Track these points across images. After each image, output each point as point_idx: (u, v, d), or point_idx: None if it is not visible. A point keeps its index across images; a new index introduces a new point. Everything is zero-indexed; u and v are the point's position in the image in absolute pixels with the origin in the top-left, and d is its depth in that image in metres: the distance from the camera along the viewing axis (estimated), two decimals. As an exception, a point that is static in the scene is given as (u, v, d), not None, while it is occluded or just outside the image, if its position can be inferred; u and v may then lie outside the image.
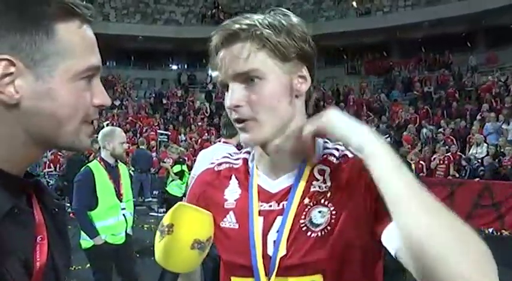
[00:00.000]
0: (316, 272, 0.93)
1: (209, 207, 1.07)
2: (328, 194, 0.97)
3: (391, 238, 0.85)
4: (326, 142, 1.05)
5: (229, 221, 1.03)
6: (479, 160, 10.47)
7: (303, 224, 0.96)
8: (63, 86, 0.74)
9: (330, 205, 0.96)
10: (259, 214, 1.00)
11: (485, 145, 11.19)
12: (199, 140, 15.94)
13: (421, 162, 10.89)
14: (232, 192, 1.06)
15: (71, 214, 3.84)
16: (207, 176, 1.13)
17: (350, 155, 0.99)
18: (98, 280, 3.82)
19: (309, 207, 0.96)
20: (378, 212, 0.89)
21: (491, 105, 14.23)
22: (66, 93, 0.74)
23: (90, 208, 3.70)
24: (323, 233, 0.94)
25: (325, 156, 1.02)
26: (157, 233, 0.98)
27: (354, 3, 23.18)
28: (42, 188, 0.83)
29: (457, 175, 10.46)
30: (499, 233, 8.52)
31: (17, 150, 0.75)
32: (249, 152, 1.11)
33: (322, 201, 0.96)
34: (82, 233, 3.77)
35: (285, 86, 0.95)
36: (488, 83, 16.45)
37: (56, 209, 0.85)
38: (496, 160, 10.23)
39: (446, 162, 10.82)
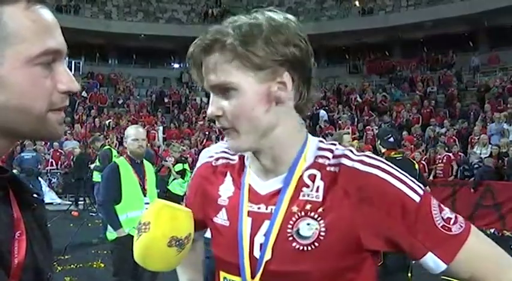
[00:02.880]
0: None
1: (205, 201, 1.10)
2: (320, 209, 0.94)
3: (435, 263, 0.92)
4: (321, 141, 1.03)
5: (222, 218, 1.05)
6: (482, 161, 10.44)
7: (290, 234, 0.95)
8: (15, 73, 0.69)
9: (320, 220, 0.93)
10: (248, 215, 1.00)
11: (489, 145, 11.16)
12: (202, 139, 15.92)
13: (423, 162, 10.87)
14: (226, 189, 1.07)
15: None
16: (205, 170, 1.15)
17: (348, 163, 0.95)
18: (116, 271, 3.94)
19: (297, 216, 0.95)
20: (414, 242, 0.92)
21: (493, 105, 14.20)
22: (19, 80, 0.69)
23: (116, 201, 3.86)
24: (309, 248, 0.93)
25: (316, 158, 0.99)
26: (135, 231, 0.97)
27: (357, 3, 23.14)
28: (20, 183, 0.80)
29: (459, 176, 10.44)
30: (500, 234, 8.50)
31: None
32: None
33: (312, 214, 0.94)
34: (108, 225, 3.99)
35: (261, 94, 0.93)
36: (490, 83, 16.42)
37: (35, 205, 0.82)
38: (499, 161, 10.20)
39: (448, 162, 10.80)
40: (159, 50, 24.58)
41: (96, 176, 7.93)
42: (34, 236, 0.78)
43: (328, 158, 0.98)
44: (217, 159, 1.14)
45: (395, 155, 4.44)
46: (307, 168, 0.98)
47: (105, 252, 6.21)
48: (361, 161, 0.95)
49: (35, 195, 0.84)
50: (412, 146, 12.42)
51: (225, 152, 1.14)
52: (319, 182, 0.96)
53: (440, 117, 15.29)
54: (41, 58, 0.71)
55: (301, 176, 0.97)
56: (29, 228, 0.77)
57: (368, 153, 1.01)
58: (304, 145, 1.00)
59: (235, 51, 0.91)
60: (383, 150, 4.57)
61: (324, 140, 1.04)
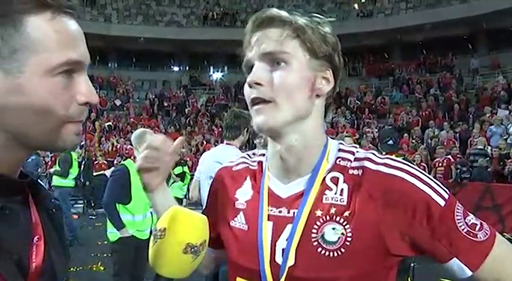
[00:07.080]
0: None
1: (222, 204, 1.08)
2: (346, 213, 0.92)
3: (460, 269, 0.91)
4: (341, 143, 1.02)
5: (239, 222, 1.03)
6: (481, 162, 10.44)
7: (315, 239, 0.92)
8: (35, 82, 0.69)
9: (346, 225, 0.91)
10: (269, 219, 0.97)
11: (488, 147, 11.18)
12: (201, 142, 15.93)
13: (423, 164, 10.88)
14: (243, 193, 1.05)
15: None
16: (224, 174, 1.13)
17: (371, 167, 0.94)
18: (116, 272, 3.97)
19: (321, 220, 0.93)
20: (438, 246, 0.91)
21: (493, 107, 14.22)
22: (38, 89, 0.69)
23: (123, 203, 3.91)
24: (335, 254, 0.90)
25: (338, 160, 0.97)
26: (151, 237, 0.97)
27: (356, 6, 23.19)
28: (39, 188, 0.81)
29: (459, 177, 10.44)
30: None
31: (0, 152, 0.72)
32: (264, 155, 1.09)
33: (338, 218, 0.92)
34: (109, 226, 3.99)
35: (308, 80, 0.94)
36: (489, 85, 16.45)
37: (53, 210, 0.83)
38: (500, 163, 10.21)
39: (447, 164, 10.80)
40: (159, 53, 24.62)
41: (57, 180, 7.83)
42: (51, 240, 0.78)
43: (350, 161, 0.97)
44: (237, 164, 1.13)
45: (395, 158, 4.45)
46: (330, 170, 0.96)
47: (105, 255, 6.21)
48: (386, 164, 0.94)
49: (54, 200, 0.85)
50: (408, 148, 12.41)
51: (245, 157, 1.13)
52: (342, 185, 0.94)
53: (440, 119, 15.32)
54: (61, 68, 0.71)
55: (324, 179, 0.96)
56: (47, 233, 0.77)
57: (391, 156, 0.99)
58: (326, 146, 1.00)
59: (300, 30, 0.94)
60: (383, 153, 4.59)
61: (343, 142, 1.03)
